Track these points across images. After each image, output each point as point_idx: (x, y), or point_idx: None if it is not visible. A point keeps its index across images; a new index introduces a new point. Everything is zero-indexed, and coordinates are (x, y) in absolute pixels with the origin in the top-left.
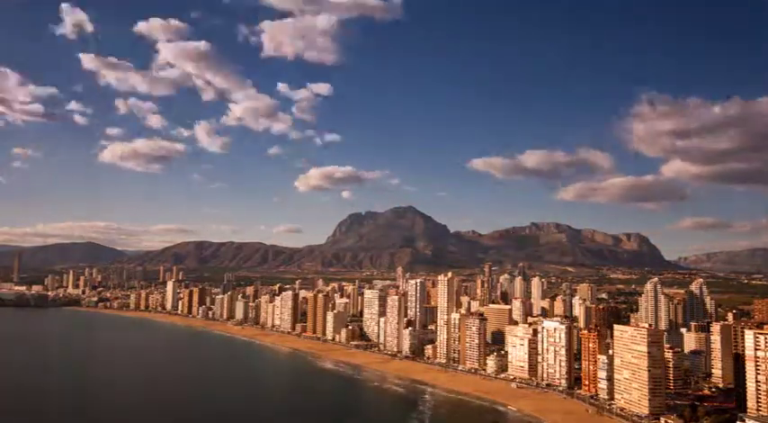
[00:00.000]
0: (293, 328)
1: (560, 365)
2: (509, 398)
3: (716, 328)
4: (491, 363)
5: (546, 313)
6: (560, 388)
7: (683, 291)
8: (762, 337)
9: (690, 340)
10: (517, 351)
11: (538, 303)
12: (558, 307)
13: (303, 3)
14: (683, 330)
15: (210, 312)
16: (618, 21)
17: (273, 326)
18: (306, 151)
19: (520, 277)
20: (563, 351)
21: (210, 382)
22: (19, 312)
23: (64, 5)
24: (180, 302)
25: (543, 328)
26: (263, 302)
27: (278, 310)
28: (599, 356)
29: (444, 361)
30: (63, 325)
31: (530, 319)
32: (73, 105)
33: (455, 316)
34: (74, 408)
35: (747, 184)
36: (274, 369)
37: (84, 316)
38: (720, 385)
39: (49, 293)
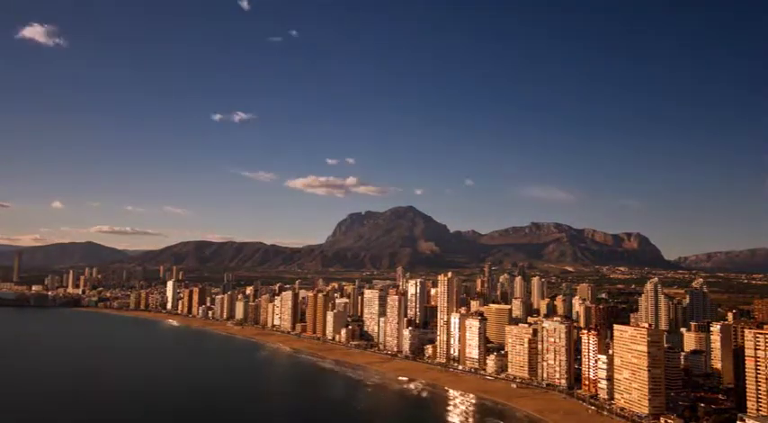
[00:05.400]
0: (293, 327)
1: (560, 365)
2: (509, 398)
3: (716, 327)
4: (491, 363)
5: (549, 311)
6: (560, 388)
7: (683, 291)
8: (762, 337)
9: (690, 340)
10: (517, 351)
11: (538, 303)
12: (558, 307)
13: None
14: (683, 330)
15: (210, 312)
16: None
17: (273, 326)
18: None
19: (520, 277)
20: (563, 351)
21: (209, 385)
22: (19, 312)
23: None
24: (180, 302)
25: (543, 327)
26: (263, 302)
27: (278, 310)
28: (599, 356)
29: (444, 361)
30: (55, 326)
31: (530, 319)
32: None
33: (455, 316)
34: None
35: None
36: (278, 370)
37: (81, 316)
38: (720, 385)
39: (49, 293)
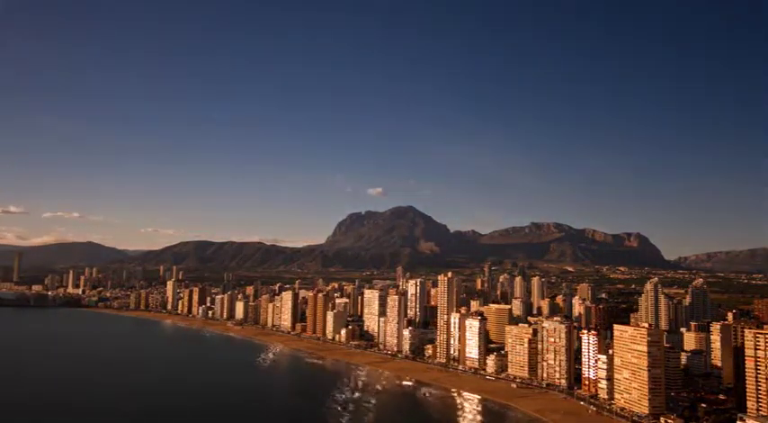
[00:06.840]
0: (293, 327)
1: (560, 365)
2: (509, 398)
3: (716, 327)
4: (491, 363)
5: (551, 311)
6: (560, 388)
7: (683, 291)
8: (762, 337)
9: (690, 340)
10: (517, 351)
11: (538, 303)
12: (559, 306)
13: None
14: (683, 330)
15: (210, 312)
16: None
17: (273, 326)
18: None
19: (520, 277)
20: (563, 351)
21: (207, 385)
22: (18, 312)
23: None
24: (180, 302)
25: (543, 327)
26: (263, 302)
27: (278, 310)
28: (599, 356)
29: (444, 361)
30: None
31: (530, 319)
32: None
33: (455, 316)
34: None
35: None
36: (278, 370)
37: (81, 316)
38: (720, 385)
39: (49, 293)
